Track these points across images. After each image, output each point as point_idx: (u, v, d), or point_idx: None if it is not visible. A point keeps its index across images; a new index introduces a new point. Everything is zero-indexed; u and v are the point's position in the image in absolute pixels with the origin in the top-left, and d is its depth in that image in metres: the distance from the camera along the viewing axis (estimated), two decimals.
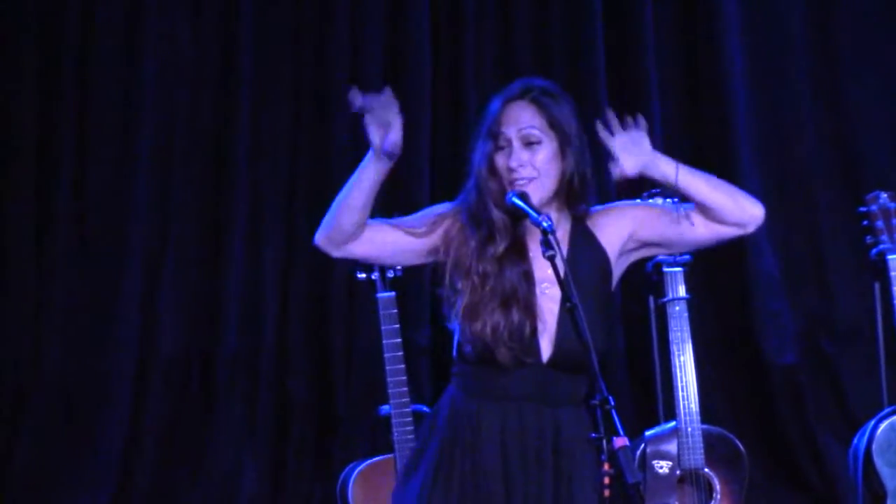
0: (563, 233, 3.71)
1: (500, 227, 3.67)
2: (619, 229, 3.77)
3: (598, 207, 3.76)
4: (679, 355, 5.05)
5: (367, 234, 3.67)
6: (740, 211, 3.65)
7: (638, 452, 4.85)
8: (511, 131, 3.67)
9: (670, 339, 5.08)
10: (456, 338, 3.70)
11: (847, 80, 6.01)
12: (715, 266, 5.76)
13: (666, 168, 3.66)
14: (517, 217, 3.65)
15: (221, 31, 5.64)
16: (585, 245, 3.77)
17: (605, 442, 3.32)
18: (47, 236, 5.50)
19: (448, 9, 5.77)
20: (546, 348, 3.66)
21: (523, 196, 3.60)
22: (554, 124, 3.68)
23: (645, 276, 5.24)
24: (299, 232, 5.53)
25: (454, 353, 3.72)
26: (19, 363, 5.46)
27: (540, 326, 3.66)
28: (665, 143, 5.70)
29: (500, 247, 3.65)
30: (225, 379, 5.56)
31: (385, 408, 4.86)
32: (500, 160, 3.67)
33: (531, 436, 3.67)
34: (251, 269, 5.57)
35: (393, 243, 3.72)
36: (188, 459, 5.54)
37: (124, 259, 5.51)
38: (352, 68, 5.65)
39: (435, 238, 3.72)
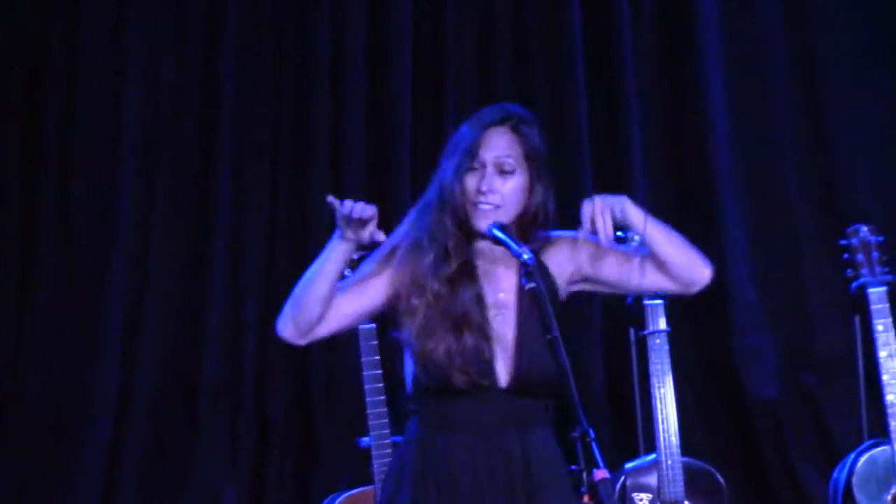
0: (515, 262, 3.68)
1: (454, 246, 3.66)
2: (569, 262, 3.77)
3: (553, 234, 3.77)
4: (659, 387, 5.05)
5: (330, 314, 3.66)
6: (691, 272, 3.70)
7: (618, 485, 4.85)
8: (488, 156, 3.66)
9: (651, 371, 5.09)
10: (410, 370, 3.69)
11: (829, 111, 6.03)
12: (696, 299, 5.58)
13: (635, 215, 3.70)
14: (471, 238, 3.65)
15: (204, 49, 5.64)
16: (537, 275, 3.71)
17: (585, 474, 3.29)
18: (30, 267, 5.48)
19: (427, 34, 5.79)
20: (503, 374, 3.64)
21: (503, 227, 3.58)
22: (529, 156, 3.69)
23: (626, 308, 5.23)
24: (280, 261, 5.55)
25: (409, 387, 3.70)
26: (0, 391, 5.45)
27: (496, 351, 3.64)
28: (646, 177, 5.78)
29: (453, 266, 3.64)
30: (206, 408, 5.54)
31: (365, 439, 4.86)
32: (470, 181, 3.65)
33: (501, 464, 3.66)
34: (232, 299, 5.56)
35: (355, 311, 3.70)
36: (169, 488, 5.52)
37: (106, 288, 5.50)
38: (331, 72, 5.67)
39: (390, 282, 3.70)
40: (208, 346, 5.54)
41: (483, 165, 3.66)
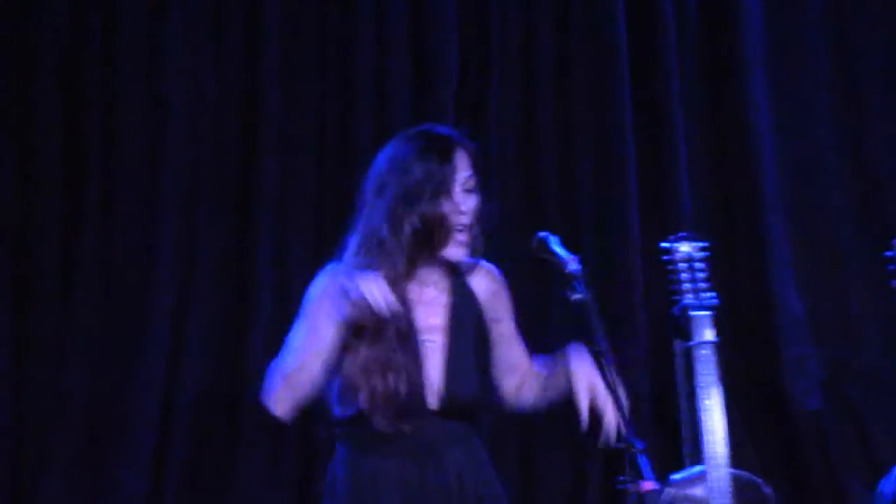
0: (444, 288, 3.77)
1: (402, 277, 3.66)
2: (492, 301, 3.84)
3: (488, 269, 3.83)
4: (706, 399, 4.90)
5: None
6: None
7: (665, 497, 4.84)
8: (458, 178, 3.69)
9: (697, 382, 4.94)
10: (333, 395, 3.70)
11: (872, 121, 6.02)
12: (742, 310, 5.75)
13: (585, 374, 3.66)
14: (414, 269, 3.67)
15: (244, 68, 5.64)
16: (466, 301, 3.81)
17: (631, 486, 3.35)
18: (72, 278, 5.50)
19: (474, 37, 5.80)
20: (433, 400, 3.68)
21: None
22: (477, 173, 3.73)
23: (672, 319, 5.11)
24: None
25: (336, 413, 3.72)
26: (45, 402, 5.44)
27: (425, 380, 3.67)
28: (691, 188, 5.80)
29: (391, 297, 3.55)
30: (249, 420, 5.54)
31: None
32: (446, 205, 3.66)
33: (435, 486, 3.70)
34: (277, 310, 5.55)
35: (324, 372, 3.65)
36: (211, 500, 5.54)
37: (150, 301, 5.51)
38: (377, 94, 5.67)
39: (338, 332, 3.63)
40: (253, 359, 5.52)
41: (454, 183, 3.68)
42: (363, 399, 3.62)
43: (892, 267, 5.11)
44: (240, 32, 5.60)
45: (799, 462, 5.82)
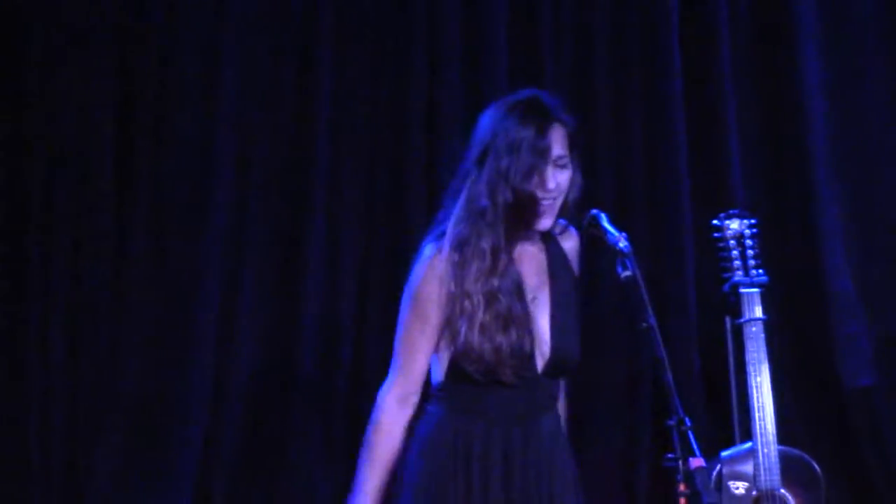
0: (541, 248, 3.86)
1: (503, 248, 3.76)
2: (575, 261, 3.93)
3: (571, 227, 3.91)
4: (755, 376, 5.01)
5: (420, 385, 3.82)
6: None
7: (714, 473, 4.85)
8: (552, 154, 3.75)
9: (747, 359, 5.05)
10: (445, 363, 3.79)
11: None
12: (792, 287, 5.76)
13: None
14: (516, 235, 3.77)
15: (299, 62, 5.64)
16: (562, 261, 3.91)
17: (681, 462, 3.37)
18: (124, 267, 5.53)
19: (524, 37, 5.79)
20: (540, 360, 3.77)
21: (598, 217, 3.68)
22: (573, 148, 3.80)
23: (722, 296, 5.19)
24: (376, 254, 5.58)
25: (441, 376, 3.80)
26: (98, 385, 5.49)
27: (535, 340, 3.77)
28: (743, 164, 5.81)
29: (500, 267, 3.74)
30: (301, 401, 5.58)
31: None
32: (536, 180, 3.73)
33: (532, 449, 3.79)
34: (328, 290, 5.60)
35: (428, 358, 3.81)
36: (264, 479, 5.58)
37: (200, 282, 5.54)
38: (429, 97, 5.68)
39: (441, 318, 3.78)
40: (304, 339, 5.58)
41: (547, 164, 3.75)
42: (488, 356, 3.70)
43: None
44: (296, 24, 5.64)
45: (849, 440, 5.81)
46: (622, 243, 3.56)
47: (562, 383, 3.94)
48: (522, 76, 5.60)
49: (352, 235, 5.61)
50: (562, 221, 3.90)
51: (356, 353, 5.49)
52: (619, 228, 3.65)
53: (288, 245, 5.61)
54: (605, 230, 3.63)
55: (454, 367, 3.78)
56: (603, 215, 3.68)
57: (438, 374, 3.83)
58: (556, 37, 5.78)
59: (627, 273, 3.53)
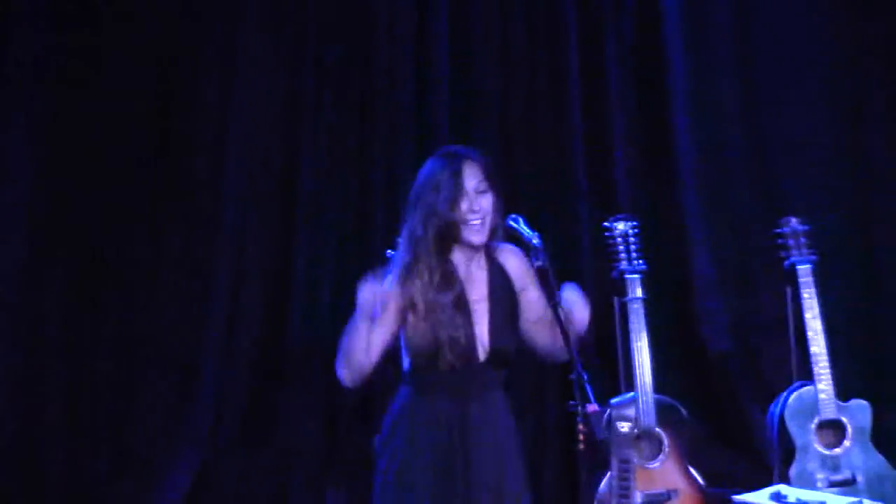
0: (483, 267, 4.08)
1: (436, 262, 3.98)
2: (518, 273, 4.13)
3: (501, 244, 4.07)
4: (637, 342, 5.38)
5: (373, 358, 3.98)
6: (562, 353, 3.97)
7: (605, 416, 4.39)
8: (470, 185, 4.01)
9: (630, 329, 5.39)
10: (405, 354, 4.05)
11: (770, 117, 6.36)
12: (665, 272, 6.03)
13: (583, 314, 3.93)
14: (449, 251, 3.98)
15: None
16: (499, 271, 4.13)
17: (580, 407, 3.72)
18: (156, 253, 6.01)
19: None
20: (482, 352, 4.02)
21: (516, 220, 3.99)
22: (490, 178, 4.04)
23: (611, 280, 5.52)
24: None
25: (406, 366, 4.05)
26: (135, 342, 6.00)
27: (476, 336, 4.01)
28: (628, 178, 6.34)
29: (437, 279, 3.96)
30: (292, 365, 6.02)
31: None
32: (463, 205, 3.98)
33: (478, 423, 4.03)
34: (310, 296, 6.00)
35: (384, 342, 4.00)
36: (262, 427, 6.01)
37: (213, 283, 6.05)
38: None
39: (396, 307, 4.00)
40: (291, 325, 6.05)
41: (467, 192, 4.00)
42: (433, 345, 3.96)
43: (781, 241, 5.62)
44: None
45: (710, 392, 6.24)
46: (535, 240, 3.89)
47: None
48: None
49: (330, 250, 6.06)
50: (499, 244, 4.11)
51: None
52: (533, 228, 3.97)
53: (279, 252, 6.11)
54: (521, 231, 3.97)
55: (413, 360, 4.07)
56: (520, 218, 4.01)
57: (406, 364, 4.10)
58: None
59: (539, 263, 3.88)
